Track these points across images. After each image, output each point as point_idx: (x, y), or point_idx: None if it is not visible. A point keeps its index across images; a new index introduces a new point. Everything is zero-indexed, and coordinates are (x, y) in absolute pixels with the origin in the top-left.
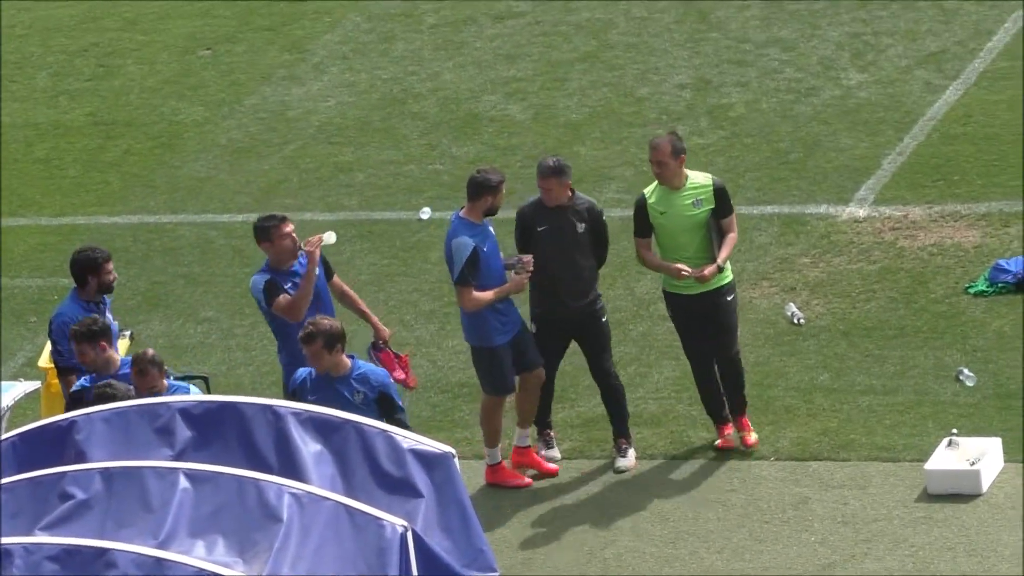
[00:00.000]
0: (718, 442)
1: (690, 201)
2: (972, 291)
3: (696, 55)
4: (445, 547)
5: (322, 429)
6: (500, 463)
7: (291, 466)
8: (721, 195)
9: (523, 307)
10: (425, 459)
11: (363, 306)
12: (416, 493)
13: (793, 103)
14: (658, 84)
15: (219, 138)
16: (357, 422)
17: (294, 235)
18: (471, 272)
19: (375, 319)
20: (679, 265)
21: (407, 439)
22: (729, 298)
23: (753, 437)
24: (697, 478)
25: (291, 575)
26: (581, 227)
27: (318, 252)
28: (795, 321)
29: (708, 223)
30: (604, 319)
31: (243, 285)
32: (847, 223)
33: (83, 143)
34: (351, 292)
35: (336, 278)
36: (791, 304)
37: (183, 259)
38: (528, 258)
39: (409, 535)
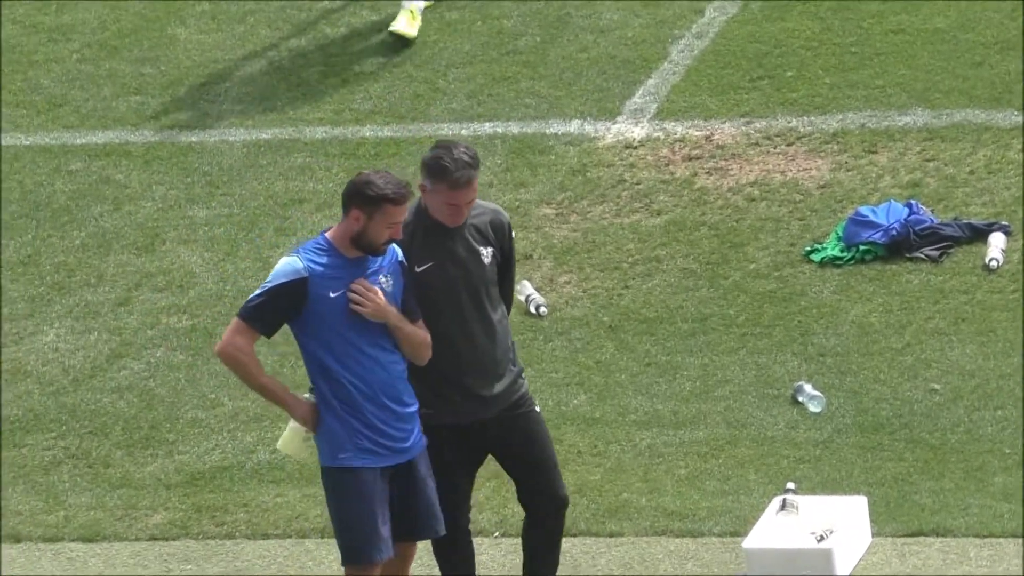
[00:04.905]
0: None
1: None
2: (818, 258)
3: None
4: None
5: None
6: None
7: None
8: None
9: None
10: None
11: None
12: None
13: None
14: None
15: None
16: None
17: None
18: (263, 311)
19: None
20: None
21: None
22: None
23: None
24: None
25: None
26: (487, 254)
27: None
28: (533, 309)
29: None
30: (536, 409)
31: None
32: (613, 149)
33: None
34: None
35: None
36: (526, 283)
37: None
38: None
39: None
